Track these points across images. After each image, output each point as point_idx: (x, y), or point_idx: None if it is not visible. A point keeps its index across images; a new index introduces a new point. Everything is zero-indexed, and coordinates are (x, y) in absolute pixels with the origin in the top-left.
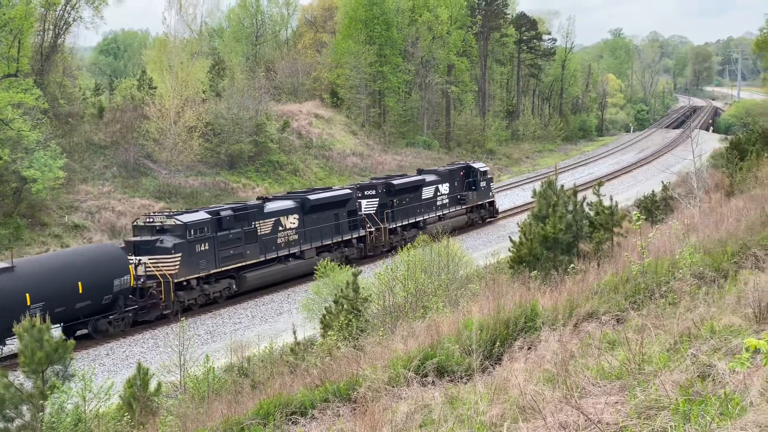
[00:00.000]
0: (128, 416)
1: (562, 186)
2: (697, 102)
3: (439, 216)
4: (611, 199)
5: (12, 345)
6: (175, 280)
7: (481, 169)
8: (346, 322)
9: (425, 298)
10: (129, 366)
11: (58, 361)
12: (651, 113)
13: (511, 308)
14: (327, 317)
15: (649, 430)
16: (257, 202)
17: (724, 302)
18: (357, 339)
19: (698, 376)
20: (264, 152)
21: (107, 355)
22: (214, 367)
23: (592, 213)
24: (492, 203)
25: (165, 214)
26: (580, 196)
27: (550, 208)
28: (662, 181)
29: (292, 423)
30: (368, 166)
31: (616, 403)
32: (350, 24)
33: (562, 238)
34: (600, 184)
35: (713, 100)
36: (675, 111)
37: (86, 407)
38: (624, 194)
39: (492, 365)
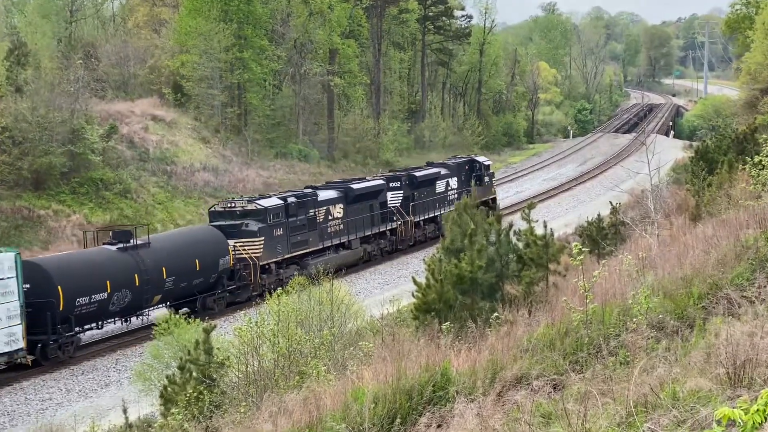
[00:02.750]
0: None
1: (483, 209)
2: (654, 98)
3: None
4: (545, 226)
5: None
6: (260, 263)
7: (485, 163)
8: (195, 395)
9: (302, 361)
10: None
11: None
12: (595, 113)
13: (415, 373)
14: (169, 389)
15: None
16: (308, 190)
17: (690, 360)
18: (210, 418)
19: None
20: (82, 167)
21: None
22: None
23: (520, 245)
24: (494, 200)
25: (245, 198)
26: (505, 222)
27: (465, 239)
28: (610, 202)
29: None
30: (224, 185)
31: None
32: None
33: (482, 278)
34: (531, 207)
35: (674, 96)
36: (626, 110)
37: None
38: (562, 219)
39: None
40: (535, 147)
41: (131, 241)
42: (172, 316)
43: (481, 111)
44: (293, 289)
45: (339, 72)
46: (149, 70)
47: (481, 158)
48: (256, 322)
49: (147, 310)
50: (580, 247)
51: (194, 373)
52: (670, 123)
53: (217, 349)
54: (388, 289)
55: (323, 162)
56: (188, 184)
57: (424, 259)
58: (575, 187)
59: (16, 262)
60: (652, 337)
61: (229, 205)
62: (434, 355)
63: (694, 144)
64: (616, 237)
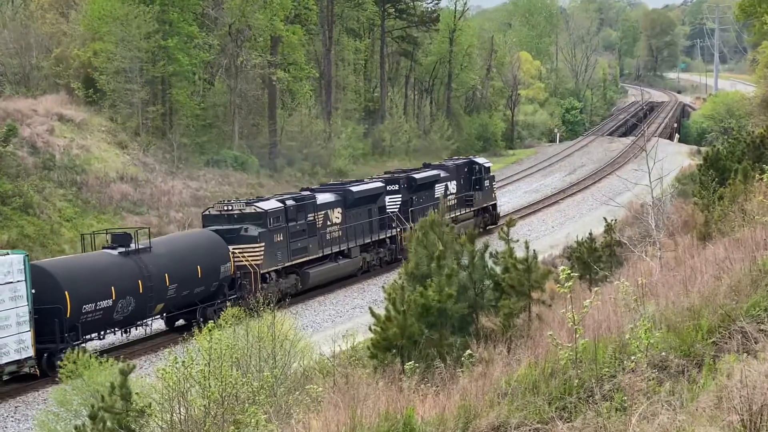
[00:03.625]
0: None
1: (453, 226)
2: (656, 95)
3: (452, 218)
4: (527, 247)
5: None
6: (261, 271)
7: (485, 165)
8: None
9: (238, 408)
10: None
11: None
12: (587, 113)
13: (372, 422)
14: None
15: None
16: (305, 192)
17: (698, 405)
18: None
19: None
20: None
21: None
22: None
23: (498, 269)
24: (494, 206)
25: (242, 201)
26: (479, 242)
27: (433, 263)
28: (605, 218)
29: None
30: (145, 198)
31: None
32: None
33: (452, 309)
34: (510, 224)
35: (679, 92)
36: (623, 109)
37: None
38: (547, 239)
39: None
40: (515, 153)
41: (131, 245)
42: (81, 355)
43: (452, 110)
44: (227, 322)
45: (282, 64)
46: (55, 61)
47: (480, 159)
48: (183, 361)
49: (149, 320)
50: (569, 271)
51: (109, 423)
52: (675, 125)
53: (137, 394)
54: (341, 322)
55: (263, 171)
56: (102, 197)
57: (383, 287)
58: (563, 201)
59: (24, 264)
60: (653, 379)
61: (225, 207)
62: (395, 401)
63: (703, 149)
64: (611, 260)
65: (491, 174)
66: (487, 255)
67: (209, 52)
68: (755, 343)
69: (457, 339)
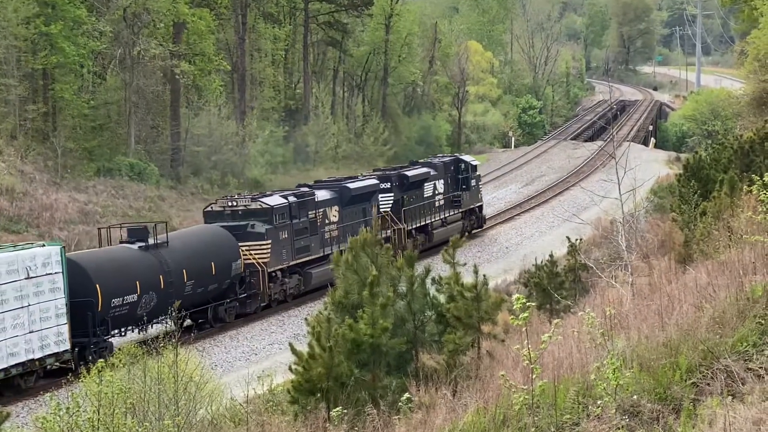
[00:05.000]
0: None
1: (388, 246)
2: (628, 92)
3: (441, 219)
4: (477, 272)
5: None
6: (268, 270)
7: (472, 164)
8: None
9: None
10: None
11: None
12: (547, 113)
13: None
14: None
15: None
16: (304, 189)
17: None
18: None
19: None
20: None
21: None
22: None
23: (442, 298)
24: (480, 208)
25: (247, 196)
26: (420, 266)
27: (365, 290)
28: (568, 238)
29: None
30: (24, 213)
31: None
32: None
33: (387, 344)
34: (456, 244)
35: (655, 89)
36: (589, 109)
37: None
38: (500, 261)
39: None
40: None
41: (149, 239)
42: None
43: (388, 110)
44: (120, 360)
45: (187, 54)
46: None
47: (466, 157)
48: (68, 408)
49: (166, 317)
50: (525, 300)
51: None
52: (650, 127)
53: None
54: (257, 360)
55: (164, 181)
56: None
57: (306, 319)
58: (519, 217)
59: (61, 255)
60: (622, 427)
61: (230, 203)
62: None
63: (683, 156)
64: (574, 286)
65: (477, 173)
66: (428, 281)
67: (100, 40)
68: (742, 384)
69: (393, 380)
